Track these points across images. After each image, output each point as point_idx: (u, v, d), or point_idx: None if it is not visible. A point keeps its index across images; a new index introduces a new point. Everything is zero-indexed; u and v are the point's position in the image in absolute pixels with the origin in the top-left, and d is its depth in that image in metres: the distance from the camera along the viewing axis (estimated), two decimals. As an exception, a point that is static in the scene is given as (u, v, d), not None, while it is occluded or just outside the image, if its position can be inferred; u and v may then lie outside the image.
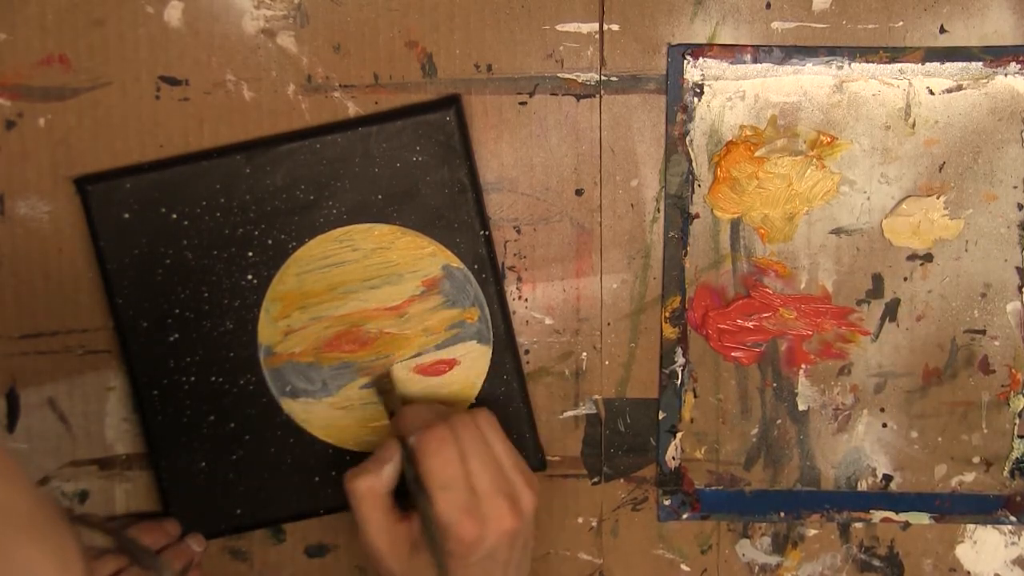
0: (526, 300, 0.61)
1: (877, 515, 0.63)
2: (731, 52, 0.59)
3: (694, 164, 0.60)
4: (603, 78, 0.59)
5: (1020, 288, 0.61)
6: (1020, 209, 0.60)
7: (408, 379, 0.61)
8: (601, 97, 0.60)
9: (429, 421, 0.55)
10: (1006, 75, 0.59)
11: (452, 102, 0.59)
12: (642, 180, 0.60)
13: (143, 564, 0.55)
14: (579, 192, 0.60)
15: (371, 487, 0.54)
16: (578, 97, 0.60)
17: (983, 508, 0.63)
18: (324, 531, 0.63)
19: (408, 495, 0.54)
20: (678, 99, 0.59)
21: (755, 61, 0.59)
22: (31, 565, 0.34)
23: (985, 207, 0.60)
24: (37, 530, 0.35)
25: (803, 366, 0.62)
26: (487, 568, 0.53)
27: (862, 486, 0.63)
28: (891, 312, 0.61)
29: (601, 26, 0.59)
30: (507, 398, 0.61)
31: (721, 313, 0.61)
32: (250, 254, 0.59)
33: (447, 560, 0.52)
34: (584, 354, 0.62)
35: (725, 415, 0.62)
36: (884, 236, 0.60)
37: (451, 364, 0.61)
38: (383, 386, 0.60)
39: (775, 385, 0.62)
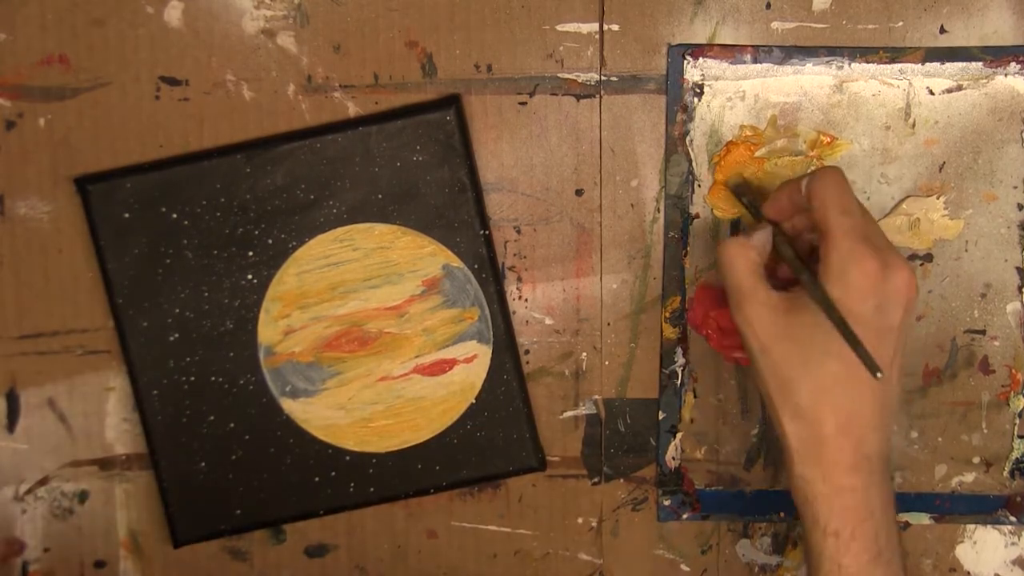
0: (526, 300, 0.61)
1: (877, 515, 0.63)
2: (731, 52, 0.59)
3: (694, 164, 0.60)
4: (603, 78, 0.59)
5: (1020, 288, 0.61)
6: (1020, 209, 0.60)
7: (408, 378, 0.61)
8: (601, 97, 0.60)
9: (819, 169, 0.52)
10: (1006, 75, 0.59)
11: (452, 102, 0.59)
12: (642, 180, 0.60)
13: None
14: (579, 192, 0.60)
15: (742, 246, 0.52)
16: (578, 97, 0.60)
17: (983, 508, 0.63)
18: (324, 531, 0.63)
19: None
20: (678, 99, 0.59)
21: (755, 61, 0.59)
22: None
23: (985, 207, 0.60)
24: None
25: (803, 366, 0.61)
26: (882, 326, 0.49)
27: (862, 486, 0.63)
28: (891, 312, 0.61)
29: (601, 26, 0.59)
30: (507, 398, 0.61)
31: (721, 313, 0.61)
32: (250, 254, 0.59)
33: (842, 300, 0.48)
34: (584, 354, 0.62)
35: (725, 415, 0.62)
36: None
37: (451, 364, 0.61)
38: (741, 189, 0.58)
39: (775, 385, 0.62)
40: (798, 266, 0.51)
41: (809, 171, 0.52)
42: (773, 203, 0.55)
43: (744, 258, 0.52)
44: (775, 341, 0.51)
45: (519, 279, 0.61)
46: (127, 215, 0.59)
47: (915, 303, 0.51)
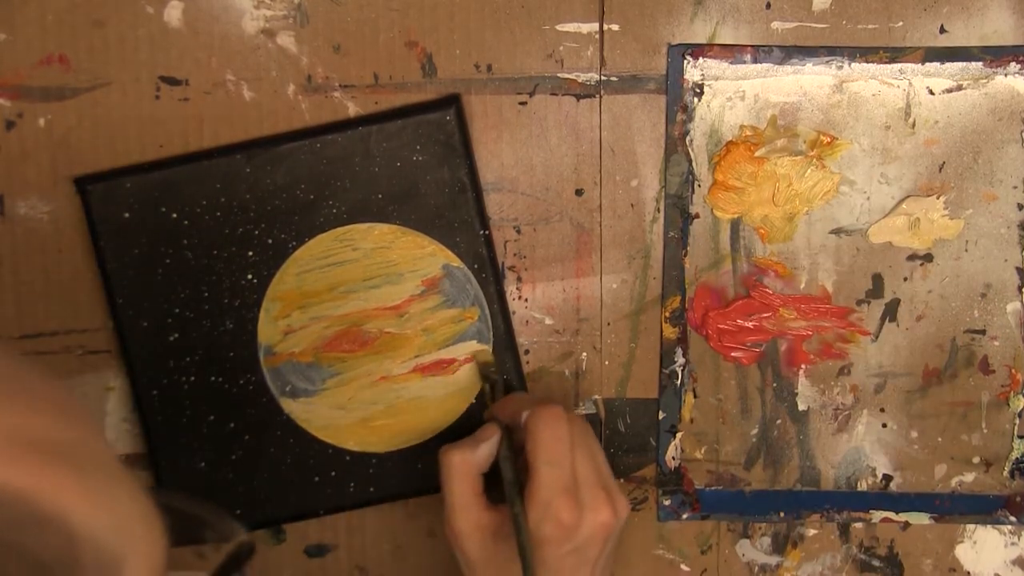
0: (526, 300, 0.61)
1: (877, 515, 0.63)
2: (731, 52, 0.59)
3: (694, 164, 0.60)
4: (603, 78, 0.59)
5: (1020, 288, 0.61)
6: (1020, 209, 0.60)
7: (408, 378, 0.61)
8: (601, 97, 0.60)
9: (542, 402, 0.54)
10: (1006, 75, 0.59)
11: (452, 102, 0.59)
12: (642, 180, 0.60)
13: (216, 529, 0.54)
14: (579, 192, 0.60)
15: (465, 460, 0.53)
16: (578, 97, 0.60)
17: (983, 508, 0.63)
18: (324, 531, 0.63)
19: (500, 486, 0.53)
20: (678, 99, 0.59)
21: (755, 61, 0.59)
22: (136, 510, 0.34)
23: (985, 207, 0.60)
24: (136, 487, 0.36)
25: (803, 366, 0.62)
26: (576, 564, 0.52)
27: (862, 486, 0.63)
28: (891, 312, 0.61)
29: (601, 26, 0.59)
30: (507, 398, 0.61)
31: (721, 313, 0.61)
32: (250, 253, 0.59)
33: (539, 548, 0.51)
34: (584, 354, 0.62)
35: (725, 415, 0.62)
36: (876, 241, 0.60)
37: (451, 363, 0.61)
38: (489, 372, 0.60)
39: (775, 385, 0.62)
40: (512, 493, 0.52)
41: (529, 410, 0.53)
42: (503, 406, 0.56)
43: (464, 472, 0.53)
44: (480, 564, 0.53)
45: (519, 279, 0.61)
46: (127, 215, 0.59)
47: (616, 531, 0.53)
